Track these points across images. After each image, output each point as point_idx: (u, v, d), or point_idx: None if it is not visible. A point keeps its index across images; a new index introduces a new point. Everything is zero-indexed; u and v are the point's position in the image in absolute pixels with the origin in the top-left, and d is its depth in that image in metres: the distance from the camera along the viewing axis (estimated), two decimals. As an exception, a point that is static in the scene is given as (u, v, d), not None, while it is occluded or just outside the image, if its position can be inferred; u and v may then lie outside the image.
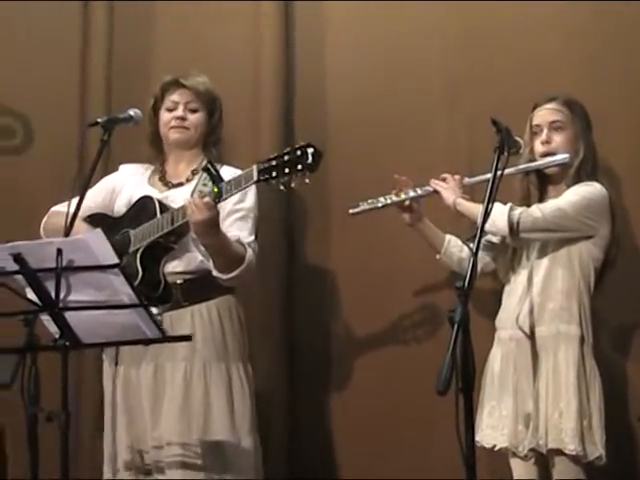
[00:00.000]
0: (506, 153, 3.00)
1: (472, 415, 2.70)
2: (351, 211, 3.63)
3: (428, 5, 3.97)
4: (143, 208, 3.48)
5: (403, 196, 3.55)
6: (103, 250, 2.73)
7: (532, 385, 3.22)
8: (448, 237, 3.58)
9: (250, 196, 3.48)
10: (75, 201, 3.31)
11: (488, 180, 2.99)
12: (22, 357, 2.87)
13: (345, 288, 4.05)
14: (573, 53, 3.76)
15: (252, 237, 3.46)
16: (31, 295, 2.83)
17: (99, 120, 3.43)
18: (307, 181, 3.07)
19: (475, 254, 2.85)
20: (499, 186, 2.96)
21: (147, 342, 2.90)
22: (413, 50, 4.00)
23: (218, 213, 3.24)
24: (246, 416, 3.40)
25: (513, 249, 3.40)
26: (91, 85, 4.26)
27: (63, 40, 4.29)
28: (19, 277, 2.79)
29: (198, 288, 3.43)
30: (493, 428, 3.29)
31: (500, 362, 3.34)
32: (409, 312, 3.93)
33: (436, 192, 3.47)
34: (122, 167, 3.73)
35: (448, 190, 3.43)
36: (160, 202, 3.45)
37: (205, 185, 3.41)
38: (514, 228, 3.22)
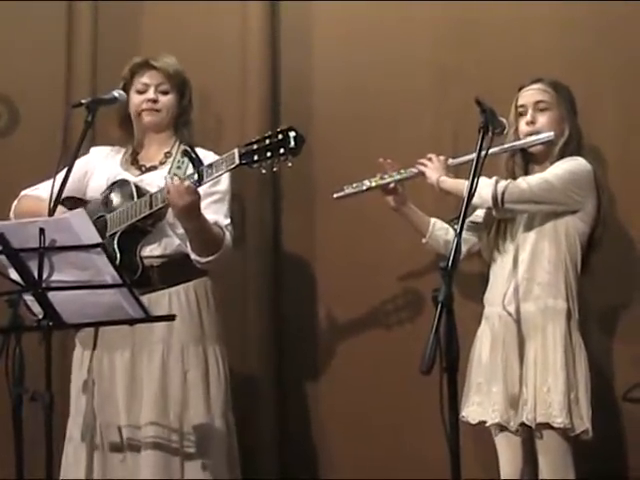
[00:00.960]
0: (490, 133, 2.99)
1: (456, 395, 2.69)
2: (335, 195, 3.62)
3: (418, -3, 3.97)
4: (119, 192, 3.46)
5: (388, 178, 3.54)
6: (85, 230, 2.73)
7: (521, 361, 3.22)
8: (433, 220, 3.58)
9: (224, 179, 3.44)
10: (47, 184, 3.30)
11: (472, 160, 2.98)
12: (6, 338, 2.87)
13: (331, 274, 4.05)
14: (565, 47, 3.74)
15: (228, 220, 3.45)
16: (14, 275, 2.82)
17: (83, 101, 3.40)
18: (289, 164, 3.04)
19: (460, 233, 2.82)
20: (483, 167, 2.94)
21: (131, 322, 2.89)
22: (402, 42, 3.99)
23: (199, 197, 3.22)
24: (220, 398, 3.41)
25: (497, 228, 3.39)
26: (76, 68, 4.26)
27: (49, 25, 4.29)
28: (2, 257, 2.78)
29: (175, 271, 3.42)
30: (481, 405, 3.29)
31: (489, 340, 3.33)
32: (396, 297, 3.93)
33: (421, 174, 3.46)
34: (93, 150, 3.71)
35: (432, 169, 3.42)
36: (137, 186, 3.43)
37: (179, 168, 3.42)
38: (499, 199, 3.21)
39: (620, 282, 3.64)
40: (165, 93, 3.56)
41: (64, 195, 3.47)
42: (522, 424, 3.21)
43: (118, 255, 3.35)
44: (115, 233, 3.39)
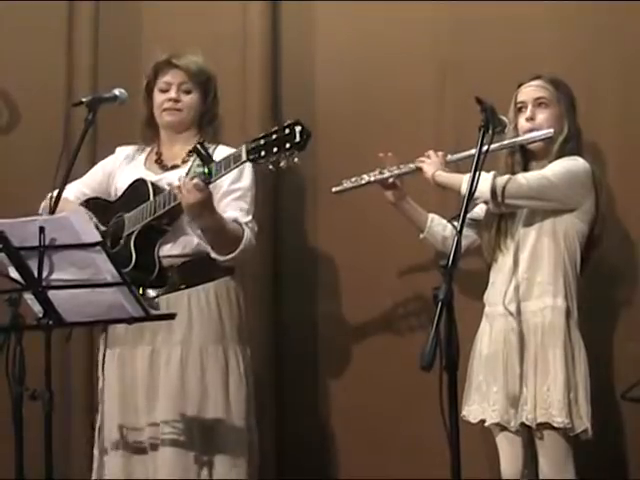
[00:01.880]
0: (490, 131, 3.00)
1: (456, 393, 2.70)
2: (334, 189, 3.62)
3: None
4: (137, 191, 3.45)
5: (387, 173, 3.53)
6: (86, 228, 2.72)
7: (521, 360, 3.22)
8: (431, 216, 3.57)
9: (247, 175, 3.42)
10: (74, 184, 3.34)
11: (472, 156, 2.98)
12: (7, 337, 2.87)
13: (333, 270, 4.04)
14: (565, 46, 3.72)
15: (249, 216, 3.41)
16: (14, 274, 2.82)
17: (83, 100, 3.40)
18: (296, 160, 3.01)
19: (460, 231, 2.84)
20: (484, 164, 2.95)
21: (131, 321, 2.88)
22: (402, 40, 3.98)
23: (210, 194, 3.20)
24: (241, 400, 3.38)
25: (497, 226, 3.38)
26: (77, 65, 4.27)
27: (50, 21, 4.28)
28: (2, 255, 2.77)
29: (195, 270, 3.40)
30: (481, 403, 3.29)
31: (489, 338, 3.33)
32: (398, 293, 3.92)
33: (419, 169, 3.45)
34: (118, 150, 3.70)
35: (429, 164, 3.41)
36: (154, 184, 3.42)
37: (199, 166, 3.37)
38: (498, 193, 3.21)
39: (620, 281, 3.62)
40: (188, 92, 3.54)
41: (87, 197, 3.50)
42: (522, 424, 3.20)
43: (134, 255, 3.33)
44: (132, 233, 3.38)
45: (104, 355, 3.46)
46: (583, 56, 3.71)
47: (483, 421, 3.29)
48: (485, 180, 3.19)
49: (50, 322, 2.84)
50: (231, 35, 4.17)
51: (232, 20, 4.18)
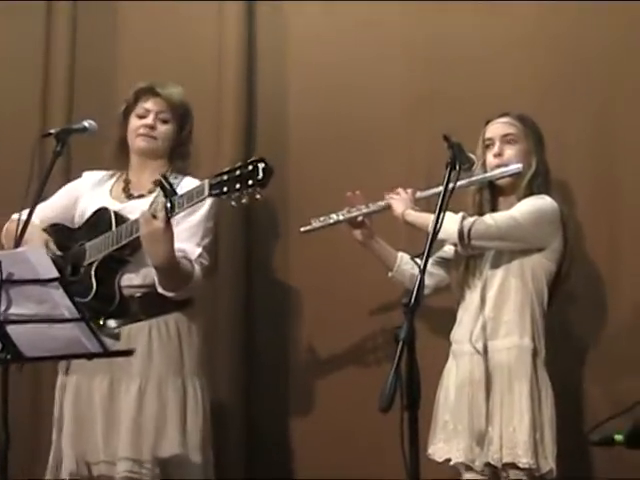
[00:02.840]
0: (457, 168, 2.98)
1: (417, 432, 2.66)
2: (302, 229, 3.60)
3: (394, 23, 3.96)
4: (99, 220, 3.43)
5: (355, 212, 3.51)
6: (43, 263, 2.69)
7: (487, 400, 3.20)
8: (400, 254, 3.54)
9: (203, 207, 3.38)
10: (40, 207, 3.29)
11: (440, 193, 2.97)
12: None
13: (304, 302, 4.03)
14: (535, 82, 3.71)
15: (199, 249, 3.40)
16: (-28, 308, 2.80)
17: (52, 131, 3.38)
18: (258, 197, 3.00)
19: (423, 269, 2.80)
20: (450, 201, 2.93)
21: (89, 356, 2.85)
22: (375, 68, 3.98)
23: (168, 227, 3.17)
24: (197, 431, 3.35)
25: (466, 264, 3.36)
26: (52, 93, 4.29)
27: (25, 44, 4.30)
28: (-41, 290, 2.75)
29: (156, 302, 3.37)
30: (447, 442, 3.26)
31: (455, 377, 3.31)
32: (367, 328, 3.90)
33: (389, 207, 3.43)
34: (85, 174, 3.68)
35: (399, 201, 3.40)
36: (116, 214, 3.40)
37: (163, 198, 3.37)
38: (465, 234, 3.19)
39: (587, 318, 3.60)
40: (165, 122, 3.53)
41: (51, 221, 3.49)
42: (488, 464, 3.18)
43: (95, 285, 3.32)
44: (93, 262, 3.35)
45: (63, 383, 3.43)
46: (552, 94, 3.70)
47: (448, 460, 3.26)
48: (453, 222, 3.17)
49: (8, 357, 2.81)
50: (206, 63, 4.18)
51: (208, 46, 4.20)
